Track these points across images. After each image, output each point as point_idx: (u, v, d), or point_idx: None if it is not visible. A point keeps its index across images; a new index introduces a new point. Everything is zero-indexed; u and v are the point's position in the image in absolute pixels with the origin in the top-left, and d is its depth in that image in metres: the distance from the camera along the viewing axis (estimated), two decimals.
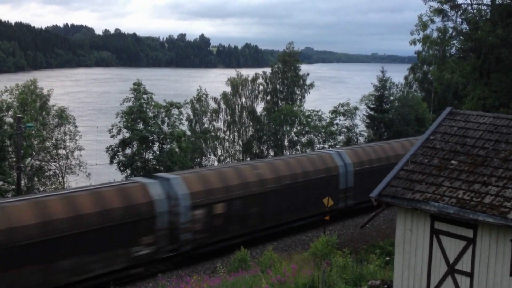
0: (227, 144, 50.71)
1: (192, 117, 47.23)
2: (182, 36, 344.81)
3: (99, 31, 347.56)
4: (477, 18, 30.85)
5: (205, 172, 24.46)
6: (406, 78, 62.50)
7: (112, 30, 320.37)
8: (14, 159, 30.78)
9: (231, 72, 55.10)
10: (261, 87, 52.80)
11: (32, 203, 18.35)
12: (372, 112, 49.06)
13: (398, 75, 61.48)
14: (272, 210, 25.68)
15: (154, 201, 21.09)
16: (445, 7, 31.51)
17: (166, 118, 38.47)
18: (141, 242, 20.69)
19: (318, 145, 48.06)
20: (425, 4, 31.83)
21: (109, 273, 19.91)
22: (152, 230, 20.98)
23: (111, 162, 38.20)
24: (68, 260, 18.64)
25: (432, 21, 31.75)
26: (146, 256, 20.91)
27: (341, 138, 49.32)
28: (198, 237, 22.72)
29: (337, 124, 49.26)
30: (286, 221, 26.74)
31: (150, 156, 38.33)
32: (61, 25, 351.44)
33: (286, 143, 49.77)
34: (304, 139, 48.64)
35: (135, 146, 37.65)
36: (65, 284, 18.76)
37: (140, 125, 37.35)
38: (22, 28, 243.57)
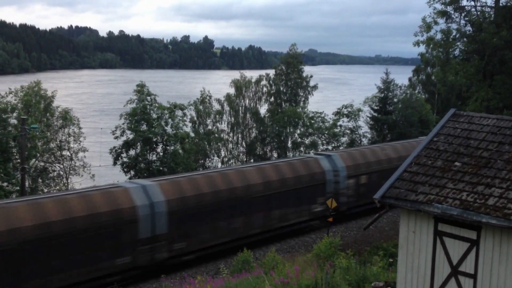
0: (230, 145, 50.73)
1: (195, 118, 47.29)
2: (186, 38, 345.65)
3: (103, 33, 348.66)
4: (480, 20, 30.81)
5: (352, 151, 31.75)
6: (410, 80, 62.45)
7: (116, 32, 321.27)
8: (19, 161, 30.91)
9: (235, 74, 55.09)
10: (264, 89, 52.79)
11: (257, 169, 25.72)
12: (375, 114, 49.02)
13: (401, 77, 61.40)
14: None
15: (324, 171, 28.20)
16: (449, 9, 31.52)
17: (169, 120, 38.53)
18: (317, 202, 27.64)
19: (321, 147, 48.04)
20: (429, 7, 31.83)
21: (298, 222, 26.92)
22: (323, 193, 27.88)
23: (115, 164, 38.27)
24: (277, 211, 25.80)
25: (436, 23, 31.72)
26: (320, 212, 27.83)
27: (344, 139, 49.29)
28: (351, 200, 29.34)
29: (340, 125, 49.23)
30: None
31: (154, 158, 38.40)
32: (65, 27, 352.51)
33: (289, 144, 49.78)
34: (307, 141, 48.62)
35: (138, 147, 37.71)
36: (274, 228, 25.95)
37: (144, 127, 37.41)
38: (27, 30, 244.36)
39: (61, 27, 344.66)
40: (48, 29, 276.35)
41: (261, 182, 25.00)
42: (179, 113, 39.46)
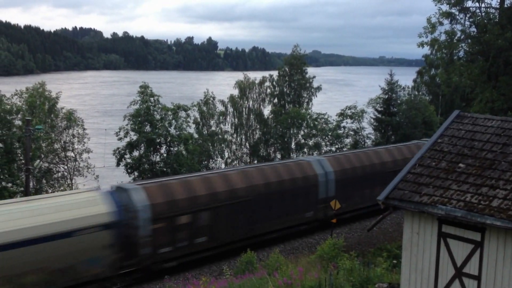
0: (234, 146, 50.72)
1: (199, 119, 47.31)
2: (189, 39, 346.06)
3: (107, 34, 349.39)
4: (485, 21, 30.74)
5: None
6: (414, 81, 62.32)
7: (120, 33, 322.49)
8: (23, 161, 31.02)
9: (238, 75, 55.10)
10: (268, 90, 52.79)
11: (386, 149, 32.73)
12: (379, 115, 48.95)
13: (405, 78, 61.30)
14: None
15: None
16: (454, 10, 31.45)
17: (173, 121, 38.53)
18: None
19: (325, 148, 48.01)
20: (436, 5, 31.71)
21: None
22: None
23: (118, 165, 38.26)
24: (382, 187, 28.18)
25: (441, 23, 31.66)
26: None
27: (348, 141, 49.25)
28: None
29: (344, 127, 49.20)
30: None
31: (157, 159, 38.41)
32: (70, 28, 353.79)
33: (293, 146, 49.74)
34: (311, 142, 48.59)
35: (142, 148, 37.73)
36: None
37: (148, 128, 37.44)
38: (32, 31, 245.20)
39: (65, 28, 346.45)
40: (52, 31, 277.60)
41: (392, 160, 31.42)
42: (182, 114, 39.46)
